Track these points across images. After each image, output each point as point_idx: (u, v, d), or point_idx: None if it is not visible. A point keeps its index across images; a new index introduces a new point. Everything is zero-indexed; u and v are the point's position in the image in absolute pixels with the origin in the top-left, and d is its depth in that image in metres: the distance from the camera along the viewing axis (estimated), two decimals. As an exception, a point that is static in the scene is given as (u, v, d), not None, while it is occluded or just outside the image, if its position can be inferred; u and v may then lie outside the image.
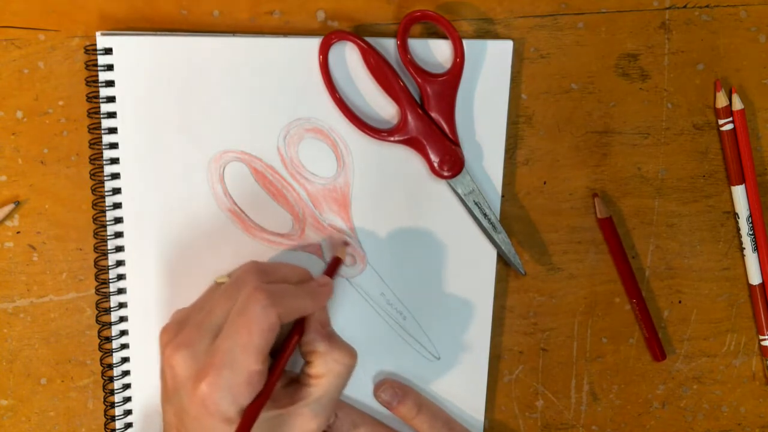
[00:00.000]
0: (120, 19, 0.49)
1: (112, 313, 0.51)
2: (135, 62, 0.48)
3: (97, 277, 0.51)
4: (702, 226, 0.55)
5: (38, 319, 0.52)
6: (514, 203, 0.53)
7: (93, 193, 0.50)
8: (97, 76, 0.48)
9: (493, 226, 0.52)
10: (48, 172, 0.50)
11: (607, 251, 0.55)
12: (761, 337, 0.57)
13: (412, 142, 0.50)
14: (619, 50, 0.52)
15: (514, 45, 0.51)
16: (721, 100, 0.53)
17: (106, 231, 0.50)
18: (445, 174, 0.50)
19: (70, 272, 0.52)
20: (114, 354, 0.51)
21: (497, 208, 0.52)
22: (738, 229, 0.55)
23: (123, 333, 0.51)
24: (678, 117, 0.54)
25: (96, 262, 0.51)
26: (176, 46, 0.48)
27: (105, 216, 0.50)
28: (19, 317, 0.52)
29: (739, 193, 0.54)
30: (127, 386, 0.52)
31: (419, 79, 0.49)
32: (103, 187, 0.49)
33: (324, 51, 0.49)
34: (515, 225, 0.54)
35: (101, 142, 0.49)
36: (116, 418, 0.52)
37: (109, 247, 0.50)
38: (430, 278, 0.53)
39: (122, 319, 0.51)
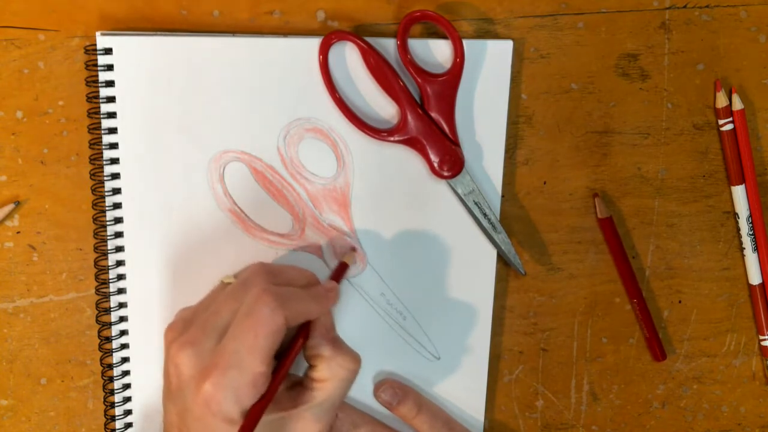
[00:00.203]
0: (120, 19, 0.49)
1: (112, 313, 0.51)
2: (135, 62, 0.48)
3: (97, 277, 0.51)
4: (702, 226, 0.55)
5: (38, 319, 0.52)
6: (514, 203, 0.53)
7: (93, 193, 0.50)
8: (97, 76, 0.48)
9: (493, 226, 0.52)
10: (48, 172, 0.50)
11: (607, 251, 0.55)
12: (761, 337, 0.57)
13: (412, 142, 0.50)
14: (619, 50, 0.52)
15: (514, 45, 0.51)
16: (721, 100, 0.53)
17: (106, 231, 0.50)
18: (445, 174, 0.50)
19: (70, 272, 0.52)
20: (114, 354, 0.51)
21: (497, 208, 0.52)
22: (738, 229, 0.55)
23: (123, 333, 0.51)
24: (678, 117, 0.54)
25: (96, 262, 0.51)
26: (176, 46, 0.48)
27: (105, 216, 0.50)
28: (19, 317, 0.52)
29: (739, 193, 0.54)
30: (127, 386, 0.52)
31: (419, 79, 0.49)
32: (103, 187, 0.49)
33: (324, 51, 0.49)
34: (515, 225, 0.54)
35: (101, 142, 0.49)
36: (116, 418, 0.52)
37: (109, 247, 0.50)
38: (430, 278, 0.53)
39: (122, 319, 0.51)
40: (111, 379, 0.51)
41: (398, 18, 0.50)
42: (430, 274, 0.53)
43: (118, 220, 0.50)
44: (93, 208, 0.50)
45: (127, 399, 0.52)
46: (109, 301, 0.51)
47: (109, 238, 0.50)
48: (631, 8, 0.52)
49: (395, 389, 0.53)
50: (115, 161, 0.49)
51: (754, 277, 0.56)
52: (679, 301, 0.56)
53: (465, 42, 0.49)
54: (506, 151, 0.52)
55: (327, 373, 0.45)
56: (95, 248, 0.50)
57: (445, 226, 0.52)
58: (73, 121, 0.50)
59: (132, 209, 0.50)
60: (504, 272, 0.54)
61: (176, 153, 0.49)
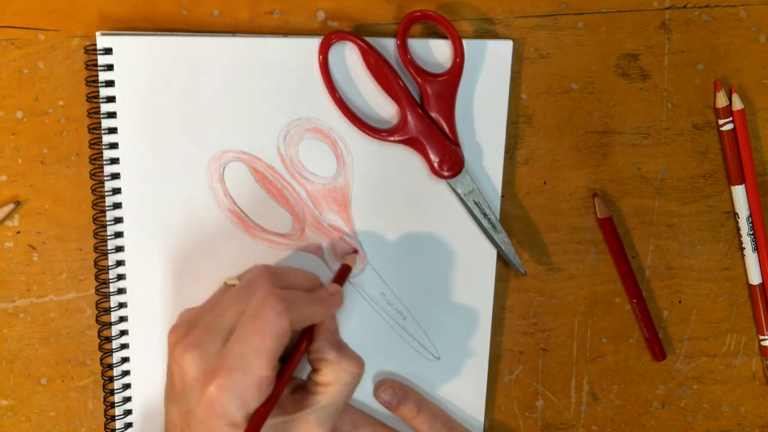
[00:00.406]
0: (120, 19, 0.49)
1: (112, 313, 0.51)
2: (135, 62, 0.48)
3: (97, 277, 0.51)
4: (702, 226, 0.55)
5: (38, 319, 0.52)
6: (514, 203, 0.53)
7: (93, 193, 0.50)
8: (97, 76, 0.48)
9: (493, 226, 0.52)
10: (48, 172, 0.50)
11: (607, 251, 0.55)
12: (761, 337, 0.57)
13: (412, 142, 0.50)
14: (619, 50, 0.52)
15: (514, 45, 0.51)
16: (721, 100, 0.53)
17: (106, 231, 0.50)
18: (445, 174, 0.50)
19: (70, 272, 0.52)
20: (114, 354, 0.51)
21: (497, 208, 0.52)
22: (738, 229, 0.55)
23: (123, 333, 0.51)
24: (678, 117, 0.54)
25: (96, 262, 0.51)
26: (176, 46, 0.48)
27: (105, 216, 0.50)
28: (19, 317, 0.52)
29: (739, 193, 0.54)
30: (127, 386, 0.52)
31: (419, 79, 0.49)
32: (103, 187, 0.49)
33: (324, 51, 0.49)
34: (515, 225, 0.54)
35: (101, 142, 0.49)
36: (116, 418, 0.52)
37: (109, 247, 0.50)
38: (430, 278, 0.53)
39: (122, 319, 0.51)
40: (111, 379, 0.51)
41: (398, 18, 0.50)
42: (430, 274, 0.53)
43: (118, 220, 0.50)
44: (93, 208, 0.50)
45: (127, 399, 0.52)
46: (109, 301, 0.51)
47: (109, 238, 0.50)
48: (631, 8, 0.52)
49: (395, 389, 0.53)
50: (115, 161, 0.49)
51: (754, 277, 0.56)
52: (679, 301, 0.56)
53: (465, 42, 0.49)
54: (506, 151, 0.52)
55: (331, 377, 0.45)
56: (95, 248, 0.50)
57: (445, 226, 0.52)
58: (73, 121, 0.50)
59: (132, 209, 0.50)
60: (504, 272, 0.54)
61: (176, 153, 0.49)
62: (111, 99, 0.48)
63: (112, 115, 0.49)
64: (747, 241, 0.55)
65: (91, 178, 0.50)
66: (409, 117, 0.49)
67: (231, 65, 0.49)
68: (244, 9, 0.50)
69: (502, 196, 0.53)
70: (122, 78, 0.48)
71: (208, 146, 0.50)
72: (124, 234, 0.50)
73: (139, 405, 0.52)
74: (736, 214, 0.55)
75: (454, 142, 0.50)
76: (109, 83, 0.48)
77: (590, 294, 0.55)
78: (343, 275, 0.49)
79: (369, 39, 0.49)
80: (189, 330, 0.43)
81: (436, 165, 0.50)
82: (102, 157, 0.49)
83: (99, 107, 0.49)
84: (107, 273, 0.50)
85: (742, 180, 0.54)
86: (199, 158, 0.50)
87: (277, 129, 0.50)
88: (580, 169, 0.54)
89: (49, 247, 0.51)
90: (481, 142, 0.51)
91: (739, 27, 0.53)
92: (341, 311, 0.52)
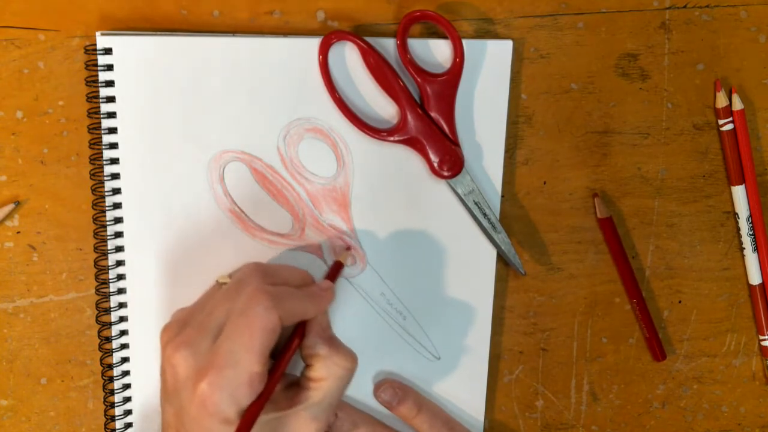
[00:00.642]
0: (120, 19, 0.49)
1: (112, 313, 0.51)
2: (135, 62, 0.48)
3: (97, 277, 0.51)
4: (702, 226, 0.55)
5: (38, 319, 0.52)
6: (514, 203, 0.53)
7: (93, 193, 0.50)
8: (97, 76, 0.48)
9: (493, 226, 0.52)
10: (48, 172, 0.50)
11: (607, 251, 0.55)
12: (761, 337, 0.57)
13: (412, 142, 0.50)
14: (619, 50, 0.52)
15: (514, 45, 0.51)
16: (721, 100, 0.53)
17: (106, 231, 0.50)
18: (445, 174, 0.50)
19: (70, 272, 0.52)
20: (114, 354, 0.51)
21: (497, 208, 0.52)
22: (738, 229, 0.55)
23: (123, 333, 0.51)
24: (678, 117, 0.54)
25: (96, 262, 0.51)
26: (176, 46, 0.48)
27: (105, 216, 0.50)
28: (19, 317, 0.52)
29: (739, 193, 0.54)
30: (127, 386, 0.52)
31: (419, 79, 0.49)
32: (103, 187, 0.49)
33: (324, 51, 0.49)
34: (515, 225, 0.54)
35: (101, 142, 0.49)
36: (116, 418, 0.52)
37: (109, 247, 0.50)
38: (430, 278, 0.53)
39: (122, 319, 0.51)
40: (111, 379, 0.51)
41: (398, 18, 0.50)
42: (430, 274, 0.53)
43: (118, 220, 0.50)
44: (93, 208, 0.50)
45: (127, 399, 0.52)
46: (109, 301, 0.51)
47: (109, 238, 0.50)
48: (631, 8, 0.52)
49: (395, 389, 0.53)
50: (115, 161, 0.49)
51: (754, 277, 0.56)
52: (679, 301, 0.56)
53: (465, 42, 0.49)
54: (506, 151, 0.52)
55: (323, 372, 0.45)
56: (95, 248, 0.50)
57: (445, 226, 0.52)
58: (73, 121, 0.50)
59: (132, 209, 0.50)
60: (504, 272, 0.54)
61: (176, 153, 0.49)
62: (111, 99, 0.48)
63: (112, 115, 0.49)
64: (747, 241, 0.55)
65: (91, 178, 0.50)
66: (409, 117, 0.49)
67: (231, 65, 0.49)
68: (244, 9, 0.50)
69: (502, 196, 0.53)
70: (122, 78, 0.48)
71: (208, 146, 0.50)
72: (124, 234, 0.50)
73: (139, 405, 0.52)
74: (736, 214, 0.55)
75: (454, 142, 0.50)
76: (109, 83, 0.48)
77: (590, 294, 0.55)
78: (335, 272, 0.50)
79: (369, 39, 0.49)
80: (180, 329, 0.44)
81: (436, 165, 0.50)
82: (102, 157, 0.49)
83: (99, 107, 0.49)
84: (107, 273, 0.50)
85: (742, 180, 0.54)
86: (199, 158, 0.50)
87: (277, 129, 0.50)
88: (580, 169, 0.54)
89: (49, 247, 0.51)
90: (481, 142, 0.51)
91: (739, 27, 0.53)
92: (342, 311, 0.52)
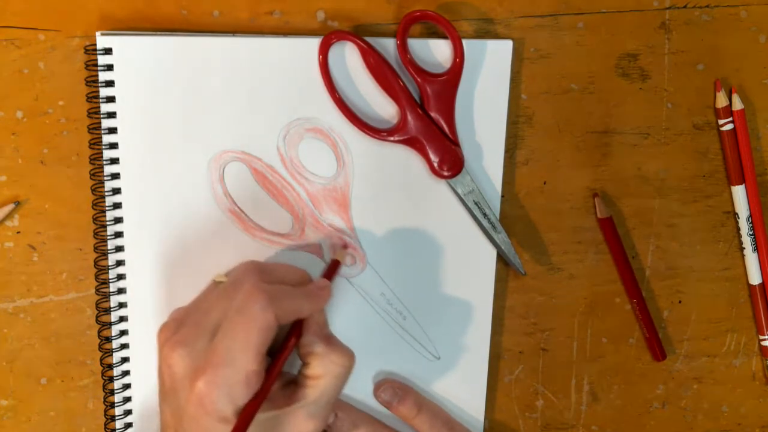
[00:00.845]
0: (120, 19, 0.49)
1: (112, 313, 0.51)
2: (135, 62, 0.48)
3: (97, 277, 0.51)
4: (702, 226, 0.55)
5: (38, 319, 0.52)
6: (514, 203, 0.53)
7: (93, 193, 0.50)
8: (97, 76, 0.48)
9: (493, 226, 0.52)
10: (48, 172, 0.50)
11: (607, 251, 0.55)
12: (761, 337, 0.57)
13: (411, 142, 0.50)
14: (619, 50, 0.52)
15: (514, 45, 0.51)
16: (721, 100, 0.53)
17: (106, 231, 0.50)
18: (445, 174, 0.50)
19: (70, 272, 0.52)
20: (114, 354, 0.51)
21: (497, 208, 0.52)
22: (738, 229, 0.55)
23: (123, 333, 0.51)
24: (678, 117, 0.54)
25: (96, 262, 0.51)
26: (176, 46, 0.48)
27: (105, 216, 0.50)
28: (19, 317, 0.52)
29: (739, 193, 0.54)
30: (127, 386, 0.52)
31: (419, 79, 0.49)
32: (103, 187, 0.49)
33: (324, 51, 0.49)
34: (515, 225, 0.54)
35: (101, 142, 0.49)
36: (116, 418, 0.52)
37: (109, 247, 0.50)
38: (430, 278, 0.53)
39: (122, 319, 0.51)
40: (111, 379, 0.51)
41: (398, 18, 0.50)
42: (430, 274, 0.53)
43: (118, 220, 0.50)
44: (93, 208, 0.50)
45: (127, 399, 0.52)
46: (109, 301, 0.51)
47: (109, 238, 0.50)
48: (631, 8, 0.52)
49: (395, 389, 0.53)
50: (115, 161, 0.49)
51: (754, 277, 0.56)
52: (679, 301, 0.56)
53: (465, 42, 0.49)
54: (506, 151, 0.52)
55: (321, 370, 0.45)
56: (95, 248, 0.50)
57: (445, 226, 0.52)
58: (73, 121, 0.50)
59: (132, 209, 0.50)
60: (504, 272, 0.54)
61: (176, 153, 0.49)
62: (111, 99, 0.48)
63: (112, 115, 0.49)
64: (747, 241, 0.55)
65: (91, 178, 0.50)
66: (409, 117, 0.49)
67: (231, 65, 0.49)
68: (244, 9, 0.50)
69: (502, 196, 0.53)
70: (122, 78, 0.48)
71: (208, 146, 0.50)
72: (124, 234, 0.50)
73: (139, 405, 0.52)
74: (736, 214, 0.55)
75: (454, 142, 0.50)
76: (109, 83, 0.48)
77: (590, 294, 0.55)
78: (332, 270, 0.49)
79: (369, 39, 0.49)
80: (177, 328, 0.44)
81: (436, 165, 0.50)
82: (102, 157, 0.49)
83: (99, 107, 0.49)
84: (107, 273, 0.50)
85: (742, 180, 0.54)
86: (199, 158, 0.50)
87: (277, 129, 0.50)
88: (580, 169, 0.54)
89: (49, 247, 0.51)
90: (481, 142, 0.51)
91: (739, 27, 0.53)
92: (341, 311, 0.52)
